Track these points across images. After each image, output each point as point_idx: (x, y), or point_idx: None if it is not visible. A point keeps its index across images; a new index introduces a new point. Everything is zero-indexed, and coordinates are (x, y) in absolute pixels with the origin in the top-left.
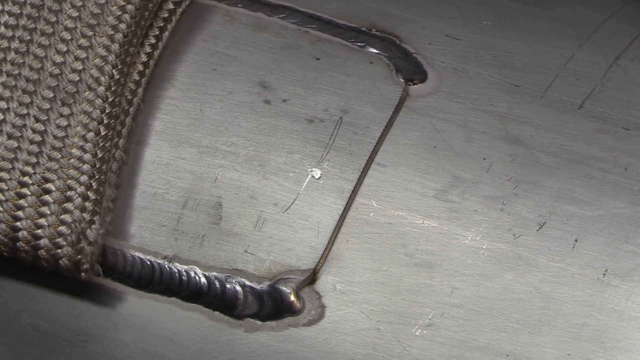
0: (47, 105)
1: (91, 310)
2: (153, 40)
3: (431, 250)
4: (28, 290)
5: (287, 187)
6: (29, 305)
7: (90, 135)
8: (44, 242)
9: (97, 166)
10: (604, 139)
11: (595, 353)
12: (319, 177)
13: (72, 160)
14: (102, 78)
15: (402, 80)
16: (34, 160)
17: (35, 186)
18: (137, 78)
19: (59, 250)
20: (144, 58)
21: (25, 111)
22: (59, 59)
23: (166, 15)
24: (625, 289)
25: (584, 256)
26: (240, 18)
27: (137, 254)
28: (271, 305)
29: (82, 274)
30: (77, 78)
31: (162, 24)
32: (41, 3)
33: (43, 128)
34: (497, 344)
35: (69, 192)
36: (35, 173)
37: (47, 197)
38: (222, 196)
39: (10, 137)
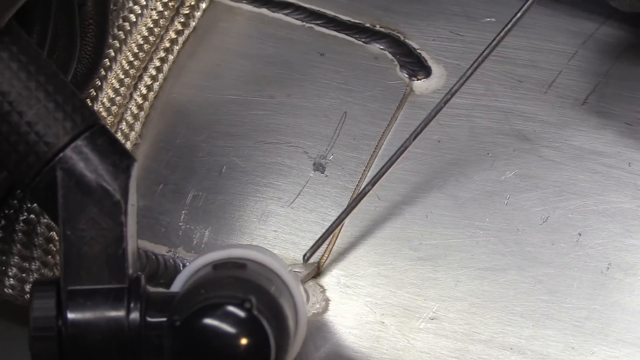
0: None
1: None
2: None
3: (435, 244)
4: None
5: (291, 181)
6: None
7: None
8: None
9: None
10: (608, 134)
11: (599, 346)
12: (324, 171)
13: None
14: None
15: (406, 75)
16: None
17: None
18: (154, 73)
19: None
20: (161, 54)
21: None
22: None
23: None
24: (628, 282)
25: (587, 250)
26: (245, 14)
27: (141, 247)
28: None
29: None
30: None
31: (180, 28)
32: None
33: None
34: (500, 337)
35: None
36: None
37: None
38: (226, 190)
39: None
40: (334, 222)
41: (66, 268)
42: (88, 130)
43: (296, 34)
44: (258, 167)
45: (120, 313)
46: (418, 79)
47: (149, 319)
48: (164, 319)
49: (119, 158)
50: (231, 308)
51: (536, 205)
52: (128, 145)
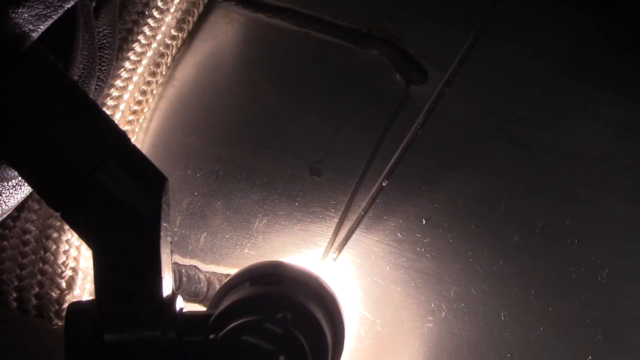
0: None
1: None
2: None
3: (433, 249)
4: None
5: (287, 187)
6: None
7: None
8: None
9: None
10: (605, 139)
11: (596, 353)
12: (320, 176)
13: None
14: None
15: (402, 81)
16: None
17: None
18: (149, 78)
19: None
20: (157, 59)
21: None
22: None
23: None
24: (626, 289)
25: (585, 256)
26: (241, 19)
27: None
28: None
29: None
30: None
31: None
32: None
33: None
34: (497, 343)
35: None
36: None
37: None
38: (222, 196)
39: None
40: (354, 221)
41: (100, 291)
42: (118, 151)
43: (292, 39)
44: (254, 171)
45: (156, 333)
46: (415, 84)
47: (186, 338)
48: (201, 337)
49: (150, 178)
50: (268, 325)
51: (534, 211)
52: None
